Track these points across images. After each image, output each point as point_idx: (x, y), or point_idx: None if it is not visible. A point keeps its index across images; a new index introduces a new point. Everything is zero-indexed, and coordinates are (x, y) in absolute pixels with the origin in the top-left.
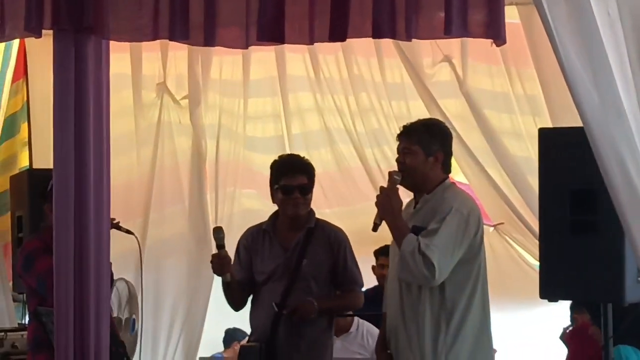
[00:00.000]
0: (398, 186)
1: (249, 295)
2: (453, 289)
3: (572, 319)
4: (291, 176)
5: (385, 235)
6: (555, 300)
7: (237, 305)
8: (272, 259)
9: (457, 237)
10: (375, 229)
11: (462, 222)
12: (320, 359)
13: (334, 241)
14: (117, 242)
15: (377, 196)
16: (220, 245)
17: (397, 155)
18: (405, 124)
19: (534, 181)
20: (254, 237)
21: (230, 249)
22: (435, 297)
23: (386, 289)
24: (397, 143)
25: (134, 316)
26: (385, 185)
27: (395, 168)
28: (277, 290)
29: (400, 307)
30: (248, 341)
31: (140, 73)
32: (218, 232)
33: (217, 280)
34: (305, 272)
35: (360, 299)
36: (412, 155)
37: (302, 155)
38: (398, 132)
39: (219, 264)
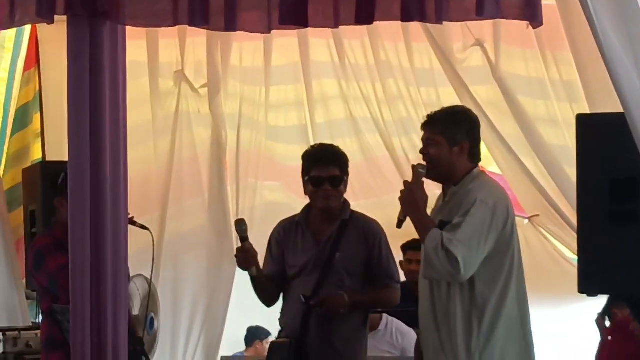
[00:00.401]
0: (424, 179)
1: (281, 291)
2: (483, 285)
3: (610, 313)
4: (322, 167)
5: (413, 229)
6: (595, 295)
7: (268, 300)
8: (304, 252)
9: (483, 230)
10: (399, 225)
11: (488, 213)
12: (354, 358)
13: (368, 234)
14: (133, 238)
15: (401, 191)
16: (244, 238)
17: None
18: (430, 112)
19: (571, 171)
20: (286, 230)
21: (253, 244)
22: (466, 295)
23: (419, 287)
24: (423, 134)
25: (152, 314)
26: (410, 179)
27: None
28: (308, 284)
29: (431, 307)
30: (278, 337)
31: (157, 60)
32: (240, 225)
33: (239, 276)
34: (338, 266)
35: (396, 295)
36: (436, 146)
37: None
38: None
39: (243, 257)
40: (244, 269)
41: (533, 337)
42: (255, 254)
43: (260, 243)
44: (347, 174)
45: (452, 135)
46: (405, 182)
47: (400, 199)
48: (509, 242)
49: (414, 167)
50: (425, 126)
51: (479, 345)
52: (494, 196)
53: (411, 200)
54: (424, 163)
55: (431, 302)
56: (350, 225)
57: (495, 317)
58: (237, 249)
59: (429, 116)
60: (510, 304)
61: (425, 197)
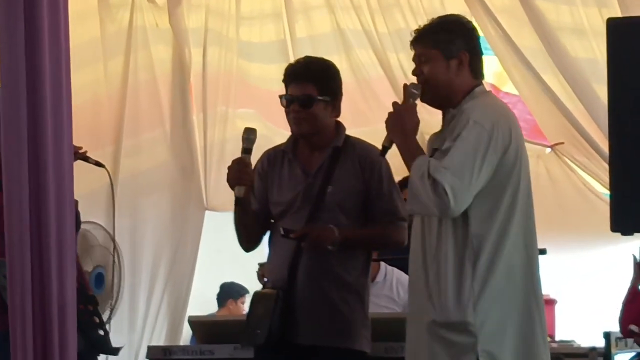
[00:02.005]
0: (418, 102)
1: (264, 232)
2: (478, 223)
3: None
4: (294, 85)
5: None
6: (631, 233)
7: (249, 240)
8: (291, 187)
9: (477, 156)
10: (383, 152)
11: (484, 136)
12: (352, 310)
13: (365, 162)
14: (83, 177)
15: (389, 114)
16: (247, 149)
17: None
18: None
19: (600, 89)
20: (271, 161)
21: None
22: (458, 233)
23: (412, 227)
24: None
25: (101, 269)
26: (399, 103)
27: None
28: (296, 224)
29: (420, 248)
30: (263, 288)
31: None
32: (249, 133)
33: (209, 222)
34: (330, 201)
35: (401, 233)
36: (431, 62)
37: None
38: None
39: (237, 170)
40: (232, 184)
41: (541, 288)
42: (252, 172)
43: None
44: (330, 93)
45: (446, 46)
46: (395, 104)
47: (386, 122)
48: (510, 173)
49: (406, 87)
50: (414, 43)
51: (473, 294)
52: (492, 116)
53: (399, 124)
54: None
55: (421, 242)
56: (344, 153)
57: (493, 262)
58: (234, 160)
59: (416, 31)
60: (511, 247)
61: (414, 122)
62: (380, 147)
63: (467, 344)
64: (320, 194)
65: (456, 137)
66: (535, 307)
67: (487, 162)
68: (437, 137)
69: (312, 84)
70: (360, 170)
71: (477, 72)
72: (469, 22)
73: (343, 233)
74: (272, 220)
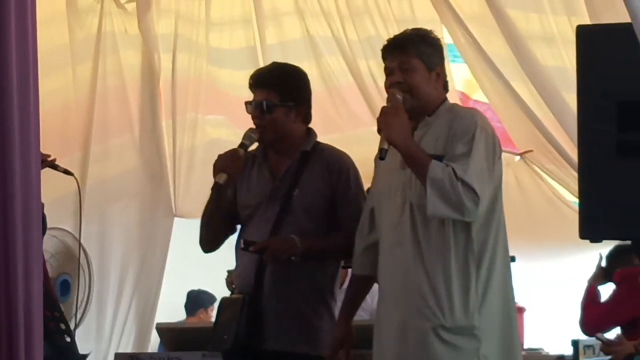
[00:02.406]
0: None
1: (227, 234)
2: (479, 227)
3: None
4: (257, 91)
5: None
6: (599, 241)
7: (210, 237)
8: (258, 190)
9: (489, 161)
10: (383, 155)
11: (490, 142)
12: (318, 318)
13: (333, 167)
14: (51, 184)
15: (381, 114)
16: (244, 145)
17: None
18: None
19: (570, 97)
20: (242, 163)
21: (195, 189)
22: (460, 238)
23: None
24: (387, 61)
25: (67, 276)
26: (388, 106)
27: None
28: (262, 227)
29: (418, 254)
30: (232, 294)
31: None
32: (252, 131)
33: (178, 229)
34: (296, 205)
35: None
36: (413, 72)
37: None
38: None
39: (228, 159)
40: (216, 171)
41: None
42: (241, 164)
43: (203, 188)
44: (293, 99)
45: (428, 58)
46: (386, 108)
47: (380, 124)
48: (500, 178)
49: (391, 94)
50: (392, 51)
51: (478, 298)
52: (489, 124)
53: (398, 124)
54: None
55: (416, 248)
56: (313, 158)
57: (492, 266)
58: (227, 150)
59: (394, 40)
60: (501, 251)
61: (410, 124)
62: (347, 153)
63: (472, 348)
64: (287, 197)
65: (470, 142)
66: (513, 312)
67: (495, 167)
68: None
69: (273, 90)
70: (328, 175)
71: (445, 85)
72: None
73: (306, 244)
74: (240, 225)
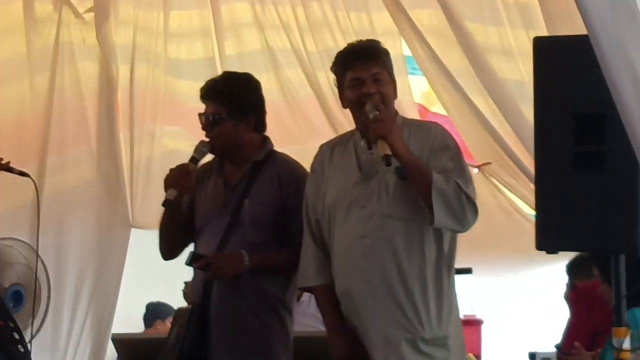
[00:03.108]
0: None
1: (186, 244)
2: (449, 240)
3: (570, 284)
4: (206, 103)
5: None
6: (555, 252)
7: (169, 248)
8: (213, 200)
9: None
10: (390, 161)
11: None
12: (267, 332)
13: (283, 178)
14: (6, 193)
15: (378, 121)
16: (195, 159)
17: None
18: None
19: (527, 110)
20: (199, 176)
21: (151, 202)
22: (433, 251)
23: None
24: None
25: (19, 287)
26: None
27: None
28: (211, 239)
29: (396, 266)
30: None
31: None
32: (203, 145)
33: (136, 241)
34: (245, 216)
35: None
36: (385, 83)
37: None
38: None
39: (178, 174)
40: (167, 186)
41: None
42: (192, 179)
43: (160, 199)
44: (242, 110)
45: (391, 70)
46: (383, 115)
47: (383, 130)
48: None
49: (377, 102)
50: (367, 60)
51: (449, 309)
52: None
53: (398, 132)
54: None
55: (392, 257)
56: (265, 167)
57: (452, 275)
58: (178, 165)
59: (367, 49)
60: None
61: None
62: (307, 165)
63: (444, 357)
64: (237, 208)
65: (456, 157)
66: (459, 319)
67: None
68: (375, 158)
69: (220, 103)
70: (278, 185)
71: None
72: None
73: (254, 260)
74: (196, 234)
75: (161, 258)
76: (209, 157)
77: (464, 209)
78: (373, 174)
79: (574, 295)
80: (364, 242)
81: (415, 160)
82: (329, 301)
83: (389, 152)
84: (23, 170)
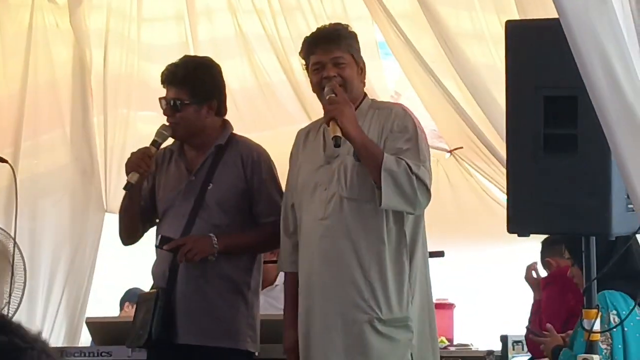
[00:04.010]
0: None
1: (145, 229)
2: (412, 221)
3: (544, 262)
4: (167, 88)
5: None
6: (527, 235)
7: (129, 232)
8: (174, 185)
9: (429, 159)
10: (339, 143)
11: (425, 140)
12: (233, 313)
13: (247, 160)
14: None
15: (332, 103)
16: (157, 143)
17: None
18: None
19: (499, 95)
20: (159, 160)
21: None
22: (393, 232)
23: (302, 232)
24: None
25: None
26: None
27: None
28: (176, 223)
29: (352, 248)
30: (151, 289)
31: None
32: (165, 129)
33: (109, 225)
34: (209, 200)
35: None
36: (347, 66)
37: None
38: None
39: (139, 157)
40: (128, 170)
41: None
42: (151, 163)
43: None
44: (203, 95)
45: (358, 54)
46: (336, 97)
47: (335, 112)
48: None
49: (334, 85)
50: (327, 45)
51: (410, 290)
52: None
53: (351, 114)
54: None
55: (348, 240)
56: (228, 151)
57: (420, 259)
58: (140, 148)
59: (327, 33)
60: (423, 244)
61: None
62: (277, 151)
63: (406, 339)
64: (201, 192)
65: (413, 138)
66: (432, 303)
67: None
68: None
69: (181, 88)
70: (242, 168)
71: (363, 82)
72: None
73: (223, 241)
74: (159, 219)
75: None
76: (169, 141)
77: (415, 190)
78: (334, 157)
79: (544, 280)
80: (323, 223)
81: (366, 141)
82: (291, 291)
83: (339, 134)
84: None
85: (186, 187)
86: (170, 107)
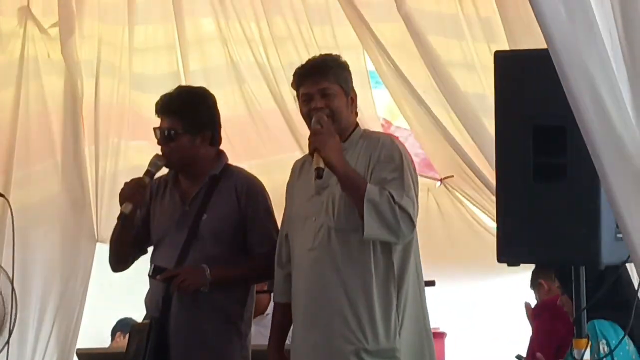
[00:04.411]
0: None
1: (137, 255)
2: (400, 252)
3: (536, 284)
4: (161, 118)
5: None
6: (517, 264)
7: (118, 259)
8: (169, 215)
9: (415, 189)
10: (321, 174)
11: (413, 170)
12: (226, 345)
13: (241, 190)
14: None
15: (315, 134)
16: (150, 173)
17: None
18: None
19: (489, 123)
20: (153, 190)
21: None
22: (381, 264)
23: (293, 262)
24: (304, 87)
25: None
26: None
27: None
28: (170, 252)
29: (339, 280)
30: (143, 319)
31: None
32: (158, 159)
33: (101, 255)
34: (204, 230)
35: (273, 265)
36: (334, 97)
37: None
38: None
39: (133, 187)
40: (122, 200)
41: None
42: (145, 193)
43: None
44: (197, 125)
45: (347, 84)
46: (318, 128)
47: (314, 141)
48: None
49: (320, 116)
50: (314, 76)
51: (398, 321)
52: (406, 149)
53: (334, 145)
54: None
55: (336, 271)
56: (222, 181)
57: (409, 290)
58: (133, 178)
59: (314, 65)
60: (415, 275)
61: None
62: (268, 180)
63: None
64: (195, 222)
65: (399, 168)
66: (429, 333)
67: (417, 192)
68: (327, 172)
69: (175, 118)
70: (237, 198)
71: (355, 112)
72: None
73: (215, 273)
74: (152, 248)
75: (126, 272)
76: (163, 171)
77: (397, 220)
78: (324, 188)
79: (534, 310)
80: (311, 254)
81: (349, 172)
82: (279, 321)
83: (322, 165)
84: None
85: (180, 217)
86: (164, 137)
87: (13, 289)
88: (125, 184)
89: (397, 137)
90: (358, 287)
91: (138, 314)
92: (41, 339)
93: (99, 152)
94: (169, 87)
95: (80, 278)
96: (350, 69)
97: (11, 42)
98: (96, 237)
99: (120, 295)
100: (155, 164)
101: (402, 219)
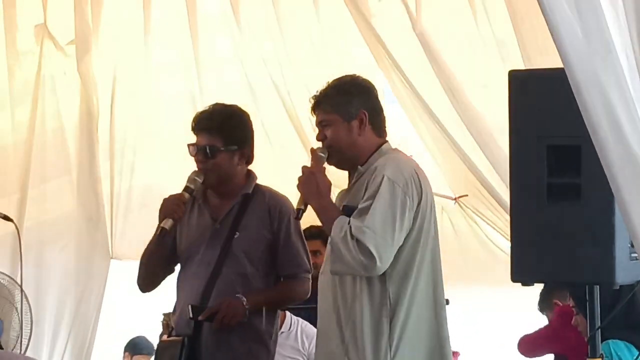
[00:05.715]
0: (327, 165)
1: (167, 274)
2: (396, 280)
3: (550, 304)
4: (200, 134)
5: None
6: (530, 284)
7: (151, 279)
8: (199, 232)
9: (396, 213)
10: (299, 215)
11: (400, 194)
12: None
13: (274, 212)
14: None
15: (299, 178)
16: (189, 189)
17: None
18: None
19: (504, 143)
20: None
21: (130, 232)
22: (375, 291)
23: (319, 283)
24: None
25: None
26: (308, 166)
27: None
28: (202, 271)
29: (333, 305)
30: (169, 336)
31: (14, 12)
32: (197, 175)
33: (115, 272)
34: (236, 249)
35: (305, 287)
36: (332, 127)
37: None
38: None
39: (174, 203)
40: (162, 216)
41: (449, 338)
42: (184, 209)
43: (140, 230)
44: (236, 142)
45: (345, 109)
46: (304, 168)
47: (298, 186)
48: (421, 228)
49: (313, 151)
50: (314, 108)
51: (389, 350)
52: (405, 172)
53: (312, 185)
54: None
55: (333, 300)
56: (254, 201)
57: (407, 318)
58: (173, 194)
59: (314, 97)
60: (421, 302)
61: (328, 183)
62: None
63: None
64: (227, 240)
65: (373, 196)
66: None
67: (405, 219)
68: (346, 194)
69: (216, 134)
70: (269, 219)
71: (379, 129)
72: (365, 81)
73: (251, 300)
74: (180, 266)
75: (139, 290)
76: None
77: (354, 255)
78: None
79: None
80: (321, 278)
81: (326, 207)
82: None
83: (302, 206)
84: (4, 203)
85: (211, 235)
86: (203, 154)
87: (29, 306)
88: (165, 199)
89: (403, 158)
90: (349, 315)
91: (151, 332)
92: (55, 355)
93: (114, 170)
94: (184, 106)
95: (95, 294)
96: None
97: (28, 59)
98: (110, 253)
99: (132, 311)
100: (194, 180)
101: (361, 253)
